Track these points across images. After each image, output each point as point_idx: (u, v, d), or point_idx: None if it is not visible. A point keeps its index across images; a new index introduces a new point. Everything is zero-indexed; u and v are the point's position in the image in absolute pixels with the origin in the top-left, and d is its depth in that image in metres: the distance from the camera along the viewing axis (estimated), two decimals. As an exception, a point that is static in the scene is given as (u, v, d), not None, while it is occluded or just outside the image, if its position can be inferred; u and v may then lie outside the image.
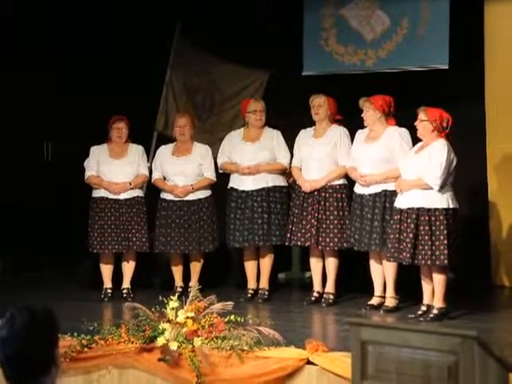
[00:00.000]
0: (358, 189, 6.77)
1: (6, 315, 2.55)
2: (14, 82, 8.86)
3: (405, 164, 6.40)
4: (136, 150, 7.51)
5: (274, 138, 7.28)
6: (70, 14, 9.10)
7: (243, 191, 7.22)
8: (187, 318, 5.34)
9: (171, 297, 5.49)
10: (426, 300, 6.35)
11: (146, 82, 8.90)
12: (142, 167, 7.49)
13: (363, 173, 6.70)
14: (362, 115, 6.74)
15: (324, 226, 6.90)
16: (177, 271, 7.47)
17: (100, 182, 7.39)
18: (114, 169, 7.39)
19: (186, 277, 7.46)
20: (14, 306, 2.56)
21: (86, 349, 5.37)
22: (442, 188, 6.17)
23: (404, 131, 6.67)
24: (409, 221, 6.22)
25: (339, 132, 7.00)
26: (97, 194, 7.41)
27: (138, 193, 7.47)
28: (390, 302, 6.67)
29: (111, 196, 7.35)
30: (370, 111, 6.71)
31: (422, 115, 6.31)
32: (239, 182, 7.26)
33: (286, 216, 7.16)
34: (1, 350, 2.53)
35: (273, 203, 7.17)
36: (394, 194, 6.47)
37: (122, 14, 9.10)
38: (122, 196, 7.36)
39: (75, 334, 5.37)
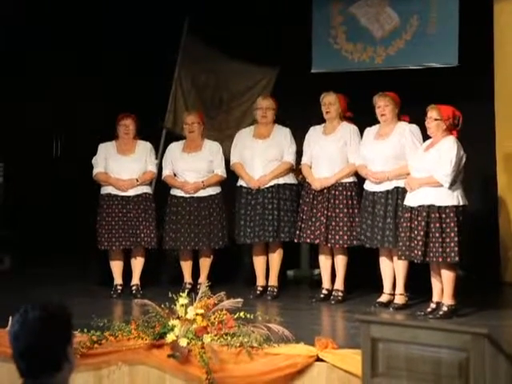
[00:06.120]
0: (369, 186, 6.75)
1: (19, 311, 2.56)
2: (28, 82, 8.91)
3: (414, 162, 6.38)
4: (144, 147, 7.50)
5: (283, 135, 7.26)
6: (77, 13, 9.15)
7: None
8: (197, 314, 5.34)
9: (181, 293, 5.49)
10: (436, 297, 6.34)
11: (154, 80, 8.91)
12: (149, 164, 7.47)
13: (375, 170, 6.69)
14: (380, 111, 6.66)
15: (333, 223, 6.89)
16: (186, 267, 7.47)
17: (107, 178, 7.37)
18: (121, 165, 7.37)
19: (195, 273, 7.48)
20: (28, 303, 2.56)
21: (96, 345, 5.37)
22: (452, 185, 6.15)
23: (415, 128, 6.64)
24: (419, 218, 6.20)
25: (349, 129, 6.98)
26: (104, 190, 7.40)
27: (146, 189, 7.45)
28: (400, 299, 6.67)
29: (119, 193, 7.34)
30: (391, 106, 6.68)
31: (434, 114, 6.26)
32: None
33: (295, 213, 7.14)
34: (14, 345, 2.54)
35: (282, 200, 7.16)
36: (406, 190, 6.43)
37: (130, 10, 9.11)
38: (130, 192, 7.34)
39: (85, 330, 5.36)
